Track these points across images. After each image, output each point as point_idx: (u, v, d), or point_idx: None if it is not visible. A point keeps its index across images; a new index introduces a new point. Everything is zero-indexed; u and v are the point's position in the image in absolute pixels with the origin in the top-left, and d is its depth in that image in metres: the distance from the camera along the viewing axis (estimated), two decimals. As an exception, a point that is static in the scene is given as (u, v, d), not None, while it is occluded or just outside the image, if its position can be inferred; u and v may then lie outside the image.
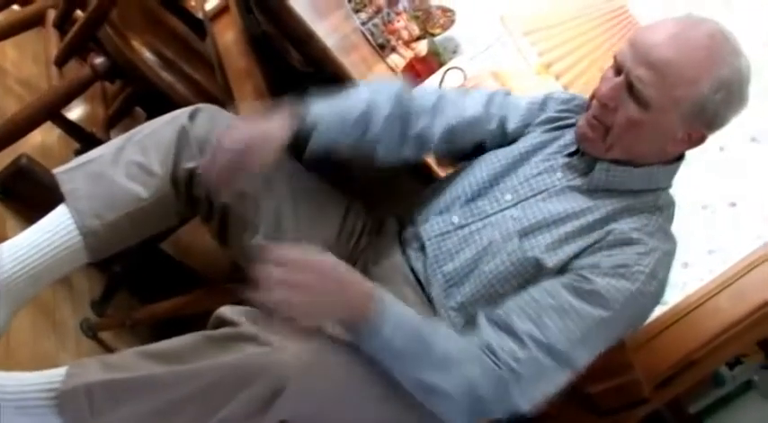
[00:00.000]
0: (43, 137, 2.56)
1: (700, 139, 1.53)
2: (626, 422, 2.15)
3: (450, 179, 1.74)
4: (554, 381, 1.47)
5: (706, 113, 1.48)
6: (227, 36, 2.64)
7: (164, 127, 1.65)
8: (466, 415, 1.45)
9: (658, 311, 1.96)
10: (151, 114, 1.73)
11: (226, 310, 1.43)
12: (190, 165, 1.63)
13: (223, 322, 1.41)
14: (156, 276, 2.29)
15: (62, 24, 2.20)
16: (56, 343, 1.51)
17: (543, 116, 1.72)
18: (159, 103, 2.02)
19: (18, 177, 2.21)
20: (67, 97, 1.92)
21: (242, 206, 1.66)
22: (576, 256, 1.52)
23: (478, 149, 1.75)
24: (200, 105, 1.69)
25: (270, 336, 1.35)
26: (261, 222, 1.66)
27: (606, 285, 1.47)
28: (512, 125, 1.74)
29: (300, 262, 1.34)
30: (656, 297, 1.55)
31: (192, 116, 1.66)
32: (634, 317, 1.55)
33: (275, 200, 1.67)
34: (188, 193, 1.66)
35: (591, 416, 2.09)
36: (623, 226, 1.52)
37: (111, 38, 1.94)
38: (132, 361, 1.40)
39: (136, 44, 2.06)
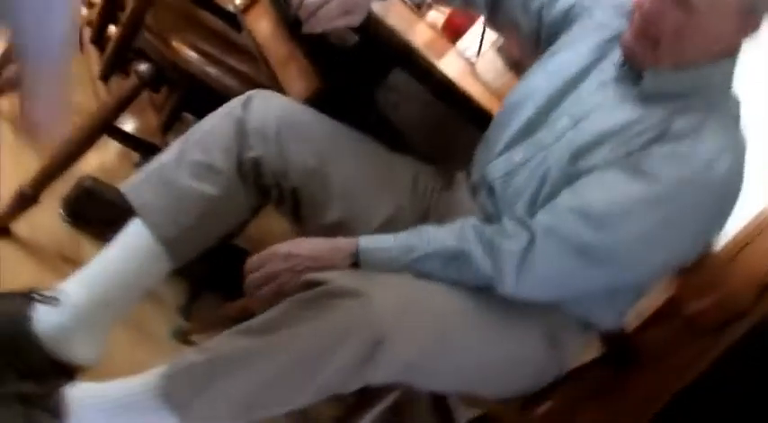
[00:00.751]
0: (101, 156, 2.57)
1: (754, 27, 1.46)
2: (725, 339, 2.10)
3: (505, 116, 1.69)
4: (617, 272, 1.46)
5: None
6: (262, 25, 2.62)
7: (219, 122, 1.65)
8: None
9: (751, 215, 1.88)
10: (200, 116, 1.71)
11: (312, 275, 1.42)
12: (252, 154, 1.62)
13: (310, 285, 1.40)
14: (237, 273, 2.27)
15: (99, 40, 2.20)
16: (151, 355, 1.52)
17: (589, 21, 1.68)
18: (207, 103, 2.00)
19: (85, 199, 2.22)
20: (119, 109, 1.92)
21: (311, 184, 1.64)
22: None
23: None
24: (251, 93, 1.68)
25: (360, 287, 1.34)
26: (332, 197, 1.64)
27: (659, 166, 1.43)
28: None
29: (262, 257, 1.50)
30: (723, 193, 1.47)
31: (245, 105, 1.65)
32: (699, 210, 1.46)
33: (342, 172, 1.65)
34: (256, 183, 1.65)
35: (689, 336, 2.05)
36: (678, 125, 1.46)
37: (150, 42, 1.93)
38: (227, 340, 1.40)
39: (176, 45, 2.05)
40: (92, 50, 2.20)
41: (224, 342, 1.40)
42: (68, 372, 1.55)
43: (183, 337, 2.12)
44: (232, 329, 1.41)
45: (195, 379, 1.37)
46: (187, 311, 2.23)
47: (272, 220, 2.26)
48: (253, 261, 1.51)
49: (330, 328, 1.32)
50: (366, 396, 1.58)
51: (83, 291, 1.60)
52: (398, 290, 1.38)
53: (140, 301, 1.67)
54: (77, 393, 1.46)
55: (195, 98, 2.31)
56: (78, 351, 1.61)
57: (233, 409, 1.37)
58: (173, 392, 1.38)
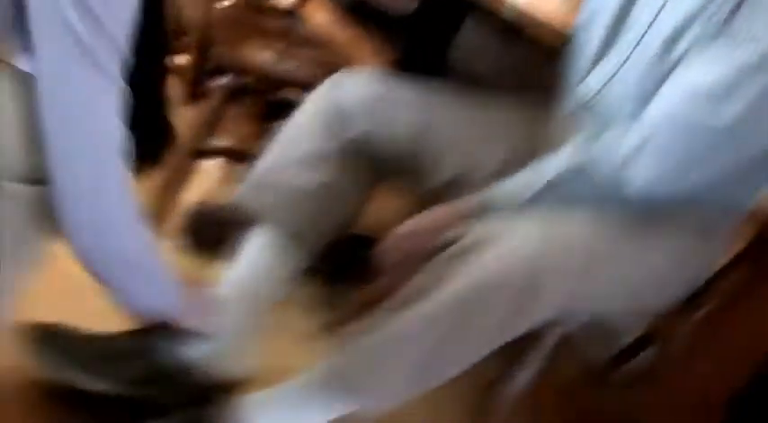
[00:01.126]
0: (202, 183, 2.60)
1: None
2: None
3: (583, 34, 1.65)
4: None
5: None
6: (321, 16, 2.62)
7: (313, 111, 1.65)
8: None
9: None
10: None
11: (443, 238, 1.41)
12: (354, 133, 1.62)
13: (444, 248, 1.38)
14: (366, 260, 2.28)
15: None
16: (304, 355, 1.53)
17: None
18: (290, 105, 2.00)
19: (202, 226, 2.24)
20: (210, 128, 1.93)
21: (419, 148, 1.64)
22: None
23: None
24: (335, 76, 1.68)
25: (493, 234, 1.33)
26: (442, 155, 1.63)
27: (752, 26, 1.35)
28: None
29: (390, 242, 1.50)
30: None
31: (333, 88, 1.65)
32: None
33: (445, 128, 1.64)
34: (364, 162, 1.66)
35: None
36: None
37: (223, 57, 1.94)
38: (379, 318, 1.41)
39: (247, 52, 2.05)
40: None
41: (381, 319, 1.40)
42: (229, 389, 1.57)
43: (330, 331, 2.12)
44: (384, 308, 1.40)
45: (367, 359, 1.38)
46: (327, 306, 2.24)
47: (384, 205, 2.26)
48: (382, 248, 1.52)
49: (478, 281, 1.30)
50: (525, 343, 1.56)
51: (233, 313, 1.63)
52: (532, 227, 1.36)
53: (281, 306, 1.69)
54: (246, 406, 1.48)
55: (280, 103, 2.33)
56: (235, 367, 1.63)
57: (408, 380, 1.37)
58: (347, 378, 1.39)
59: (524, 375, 1.57)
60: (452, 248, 1.37)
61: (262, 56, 2.06)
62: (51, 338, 1.55)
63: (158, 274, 1.36)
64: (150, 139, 1.47)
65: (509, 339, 1.38)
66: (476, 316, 1.32)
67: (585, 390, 2.06)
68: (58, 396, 1.56)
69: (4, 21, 1.16)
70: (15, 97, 1.17)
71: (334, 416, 1.45)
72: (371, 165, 1.66)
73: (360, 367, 1.38)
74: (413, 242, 1.48)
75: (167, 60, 2.20)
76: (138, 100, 1.35)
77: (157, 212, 2.02)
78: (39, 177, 1.21)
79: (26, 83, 1.16)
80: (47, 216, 1.22)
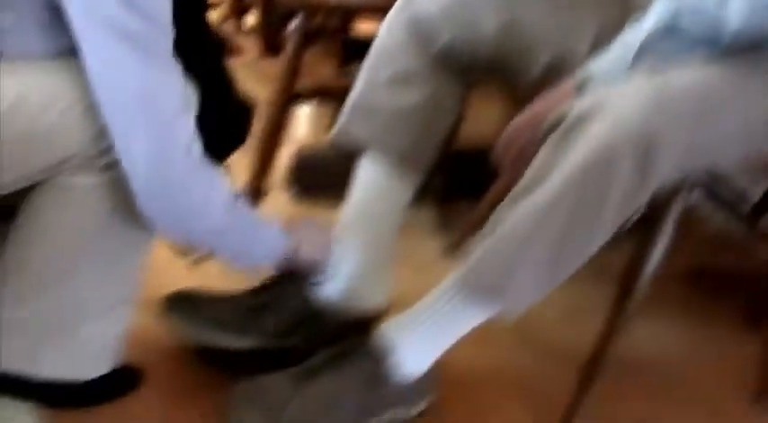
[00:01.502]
0: (300, 129, 2.62)
1: None
2: None
3: None
4: None
5: None
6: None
7: (393, 30, 1.62)
8: None
9: None
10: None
11: (548, 119, 1.38)
12: (440, 43, 1.59)
13: (552, 129, 1.36)
14: (473, 172, 2.26)
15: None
16: (434, 280, 1.53)
17: None
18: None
19: (306, 170, 2.26)
20: (294, 71, 1.93)
21: (509, 41, 1.59)
22: None
23: None
24: None
25: (599, 102, 1.30)
26: (534, 42, 1.59)
27: None
28: None
29: (508, 137, 1.46)
30: None
31: (406, 6, 1.61)
32: None
33: (531, 14, 1.59)
34: (456, 70, 1.62)
35: None
36: None
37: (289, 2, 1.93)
38: (499, 217, 1.37)
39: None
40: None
41: (502, 215, 1.37)
42: (368, 322, 1.58)
43: (455, 251, 2.12)
44: (502, 205, 1.38)
45: (495, 260, 1.35)
46: (446, 226, 2.24)
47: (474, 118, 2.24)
48: (497, 148, 1.49)
49: (595, 150, 1.27)
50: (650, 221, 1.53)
51: (349, 245, 1.63)
52: (638, 88, 1.31)
53: (402, 232, 1.69)
54: (387, 331, 1.49)
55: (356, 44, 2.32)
56: (369, 302, 1.64)
57: (541, 275, 1.35)
58: (480, 283, 1.37)
59: (655, 255, 1.53)
60: (560, 128, 1.33)
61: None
62: (188, 304, 1.58)
63: (256, 229, 1.39)
64: (229, 119, 1.47)
65: (631, 213, 1.35)
66: (593, 190, 1.29)
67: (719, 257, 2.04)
68: (203, 358, 1.60)
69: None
70: (77, 87, 1.19)
71: (474, 325, 1.44)
72: (462, 73, 1.63)
73: (491, 271, 1.36)
74: (526, 134, 1.45)
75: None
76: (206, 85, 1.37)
77: (264, 163, 2.02)
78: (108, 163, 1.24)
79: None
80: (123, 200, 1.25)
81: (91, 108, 1.19)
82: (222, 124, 1.44)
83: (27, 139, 1.19)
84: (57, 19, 1.17)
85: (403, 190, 1.65)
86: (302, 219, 1.61)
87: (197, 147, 1.23)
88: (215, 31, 2.00)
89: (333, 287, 1.61)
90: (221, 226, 1.29)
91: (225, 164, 1.49)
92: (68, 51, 1.18)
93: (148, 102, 1.17)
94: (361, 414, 1.46)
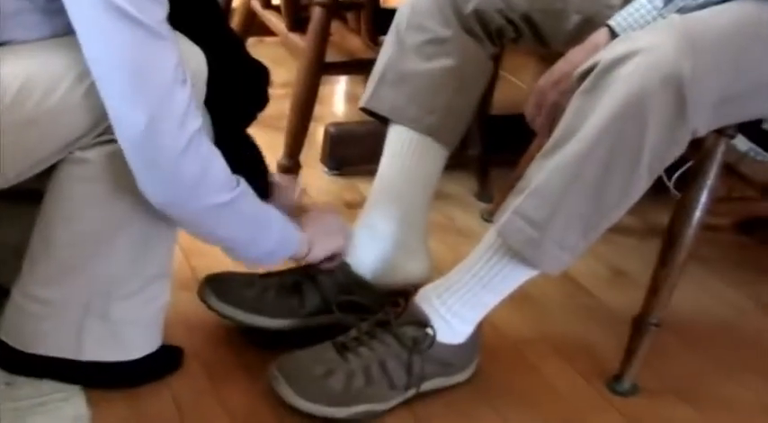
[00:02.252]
0: (331, 103, 2.62)
1: None
2: None
3: None
4: None
5: None
6: None
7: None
8: None
9: None
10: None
11: (580, 68, 1.35)
12: (470, 6, 1.56)
13: (583, 77, 1.33)
14: (507, 136, 2.25)
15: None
16: (473, 245, 1.52)
17: None
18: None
19: (338, 145, 2.25)
20: (321, 45, 1.91)
21: (536, 8, 1.57)
22: None
23: None
24: None
25: (631, 47, 1.26)
26: (561, 11, 1.57)
27: None
28: None
29: (533, 97, 1.45)
30: None
31: None
32: None
33: None
34: (486, 32, 1.60)
35: None
36: None
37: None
38: (533, 172, 1.35)
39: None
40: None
41: (536, 170, 1.35)
42: (407, 294, 1.56)
43: (493, 216, 2.10)
44: (536, 158, 1.36)
45: (531, 216, 1.33)
46: (484, 193, 2.23)
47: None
48: (529, 104, 1.47)
49: (627, 93, 1.24)
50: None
51: (382, 217, 1.61)
52: (668, 31, 1.28)
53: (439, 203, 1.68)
54: (428, 296, 1.47)
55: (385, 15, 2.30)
56: (410, 273, 1.62)
57: (579, 227, 1.33)
58: (517, 239, 1.35)
59: (700, 203, 1.50)
60: (590, 76, 1.30)
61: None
62: (224, 285, 1.57)
63: (261, 217, 1.35)
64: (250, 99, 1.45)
65: (670, 158, 1.32)
66: (628, 136, 1.26)
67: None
68: (243, 336, 1.59)
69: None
70: (77, 64, 1.19)
71: (516, 284, 1.42)
72: (493, 36, 1.60)
73: (527, 227, 1.33)
74: (558, 88, 1.42)
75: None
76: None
77: (295, 139, 2.01)
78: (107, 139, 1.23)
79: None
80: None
81: (92, 87, 1.18)
82: (238, 88, 1.42)
83: (35, 123, 1.19)
84: None
85: (431, 161, 1.62)
86: (313, 212, 1.59)
87: (193, 121, 1.20)
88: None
89: (368, 261, 1.60)
90: (218, 206, 1.25)
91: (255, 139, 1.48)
92: (66, 30, 1.18)
93: (139, 73, 1.15)
94: (408, 381, 1.44)
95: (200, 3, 1.40)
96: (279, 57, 2.92)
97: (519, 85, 2.59)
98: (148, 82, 1.16)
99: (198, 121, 1.21)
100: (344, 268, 1.58)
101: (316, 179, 2.22)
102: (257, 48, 2.71)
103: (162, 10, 1.17)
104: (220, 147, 1.27)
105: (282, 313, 1.55)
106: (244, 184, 1.29)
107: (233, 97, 1.27)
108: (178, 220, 1.29)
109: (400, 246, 1.61)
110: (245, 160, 1.39)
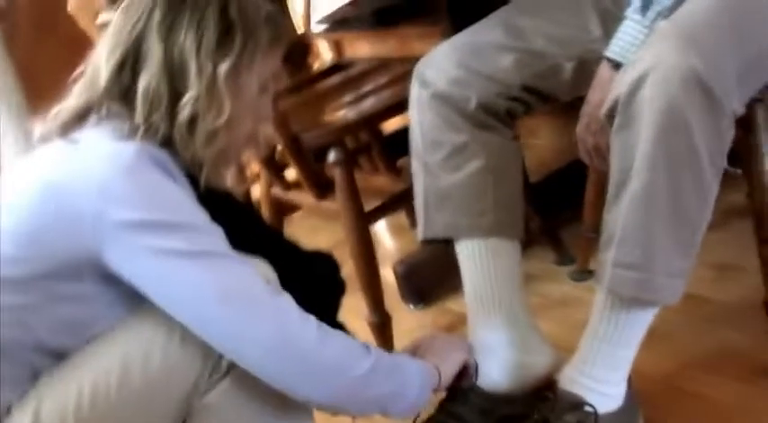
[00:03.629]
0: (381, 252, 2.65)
1: None
2: None
3: None
4: None
5: None
6: (362, 47, 2.67)
7: (423, 115, 1.63)
8: None
9: None
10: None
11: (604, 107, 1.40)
12: (470, 104, 1.59)
13: (611, 115, 1.37)
14: (563, 196, 2.27)
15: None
16: (581, 308, 1.53)
17: None
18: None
19: (411, 281, 2.30)
20: (355, 199, 1.96)
21: (530, 65, 1.62)
22: None
23: None
24: (414, 72, 1.67)
25: (643, 68, 1.30)
26: (551, 54, 1.62)
27: None
28: None
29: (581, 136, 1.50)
30: None
31: (421, 83, 1.64)
32: None
33: (537, 26, 1.64)
34: (498, 119, 1.63)
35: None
36: None
37: (315, 139, 1.97)
38: (610, 222, 1.38)
39: (328, 119, 2.09)
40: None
41: (612, 219, 1.37)
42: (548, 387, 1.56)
43: (583, 274, 2.11)
44: (606, 209, 1.39)
45: (630, 259, 1.35)
46: (563, 257, 2.24)
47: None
48: (582, 155, 1.53)
49: (659, 112, 1.28)
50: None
51: (489, 330, 1.63)
52: (663, 41, 1.32)
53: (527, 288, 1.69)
54: (570, 375, 1.48)
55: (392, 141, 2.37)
56: (540, 366, 1.62)
57: (677, 248, 1.35)
58: (629, 288, 1.37)
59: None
60: (619, 111, 1.34)
61: (344, 114, 2.09)
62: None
63: (399, 367, 1.36)
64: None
65: (726, 148, 1.34)
66: (680, 151, 1.29)
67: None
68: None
69: None
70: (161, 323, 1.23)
71: (644, 328, 1.43)
72: (505, 116, 1.64)
73: (632, 271, 1.35)
74: (593, 129, 1.47)
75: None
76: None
77: (373, 296, 2.04)
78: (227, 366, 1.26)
79: None
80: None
81: (184, 334, 1.21)
82: (313, 286, 1.46)
83: (149, 393, 1.22)
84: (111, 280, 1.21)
85: (509, 253, 1.65)
86: (423, 341, 1.58)
87: (309, 316, 1.24)
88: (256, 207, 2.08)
89: (497, 375, 1.60)
90: (368, 372, 1.27)
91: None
92: (130, 297, 1.22)
93: (238, 299, 1.19)
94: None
95: (242, 220, 1.45)
96: (312, 225, 2.98)
97: (541, 145, 2.62)
98: (253, 294, 1.20)
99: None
100: (479, 392, 1.58)
101: (407, 320, 2.24)
102: (290, 230, 2.76)
103: (218, 236, 1.22)
104: None
105: None
106: (370, 346, 1.31)
107: (311, 296, 1.31)
108: (344, 406, 1.30)
109: (518, 347, 1.62)
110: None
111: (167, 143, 1.26)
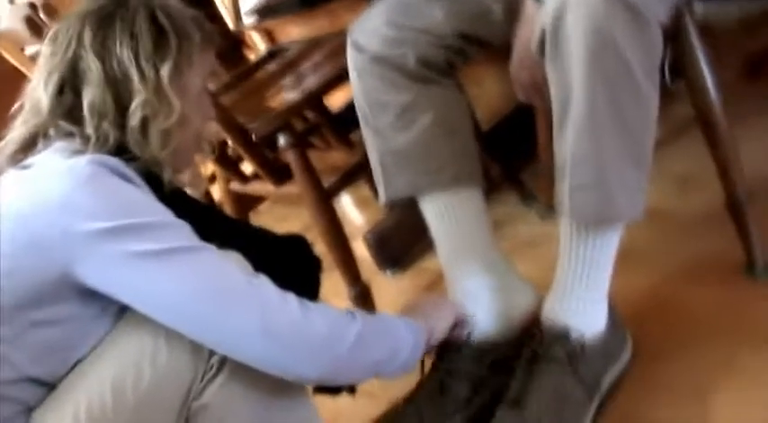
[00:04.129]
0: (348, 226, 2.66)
1: None
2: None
3: None
4: None
5: None
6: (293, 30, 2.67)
7: (364, 80, 1.63)
8: None
9: None
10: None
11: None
12: (409, 59, 1.59)
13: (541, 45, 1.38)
14: (517, 139, 2.28)
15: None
16: (554, 244, 1.54)
17: None
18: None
19: (383, 247, 2.31)
20: (313, 178, 1.96)
21: (462, 14, 1.62)
22: None
23: None
24: (346, 40, 1.67)
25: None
26: (487, 7, 1.62)
27: None
28: None
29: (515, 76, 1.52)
30: None
31: (354, 47, 1.64)
32: None
33: None
34: (439, 71, 1.63)
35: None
36: None
37: (263, 126, 1.97)
38: (560, 150, 1.38)
39: (270, 104, 2.09)
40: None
41: (560, 147, 1.39)
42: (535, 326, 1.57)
43: (549, 211, 2.11)
44: (555, 139, 1.40)
45: (585, 184, 1.36)
46: (527, 197, 2.26)
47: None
48: (519, 93, 1.54)
49: (585, 34, 1.28)
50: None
51: (467, 278, 1.63)
52: None
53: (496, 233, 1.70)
54: (551, 307, 1.51)
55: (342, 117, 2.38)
56: (523, 305, 1.63)
57: (631, 165, 1.36)
58: (589, 212, 1.38)
59: (707, 78, 1.52)
60: (546, 43, 1.34)
61: (286, 96, 2.10)
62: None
63: (389, 328, 1.37)
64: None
65: (659, 60, 1.36)
66: (613, 69, 1.30)
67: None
68: None
69: None
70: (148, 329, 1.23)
71: (614, 249, 1.44)
72: (446, 67, 1.64)
73: (590, 195, 1.36)
74: (526, 65, 1.47)
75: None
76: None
77: (349, 270, 2.05)
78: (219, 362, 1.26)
79: None
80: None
81: (169, 339, 1.22)
82: (290, 267, 1.45)
83: (145, 406, 1.21)
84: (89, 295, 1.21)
85: (473, 200, 1.65)
86: (410, 302, 1.61)
87: (288, 294, 1.25)
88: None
89: (483, 322, 1.61)
90: (358, 337, 1.27)
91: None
92: (111, 308, 1.23)
93: (216, 292, 1.19)
94: (589, 392, 1.46)
95: (207, 216, 1.45)
96: (279, 214, 2.99)
97: (487, 94, 2.63)
98: (231, 283, 1.21)
99: (289, 292, 1.25)
100: (469, 343, 1.59)
101: (386, 288, 2.25)
102: (259, 222, 2.76)
103: (184, 231, 1.22)
104: None
105: (446, 417, 1.56)
106: (355, 312, 1.32)
107: (291, 278, 1.31)
108: (340, 377, 1.32)
109: (499, 290, 1.63)
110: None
111: (120, 151, 1.28)
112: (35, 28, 2.10)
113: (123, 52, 1.29)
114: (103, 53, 1.29)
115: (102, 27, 1.30)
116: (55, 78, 1.30)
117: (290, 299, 1.24)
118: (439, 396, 1.56)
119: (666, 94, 1.41)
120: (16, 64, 2.49)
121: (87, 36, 1.29)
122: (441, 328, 1.50)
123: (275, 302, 1.23)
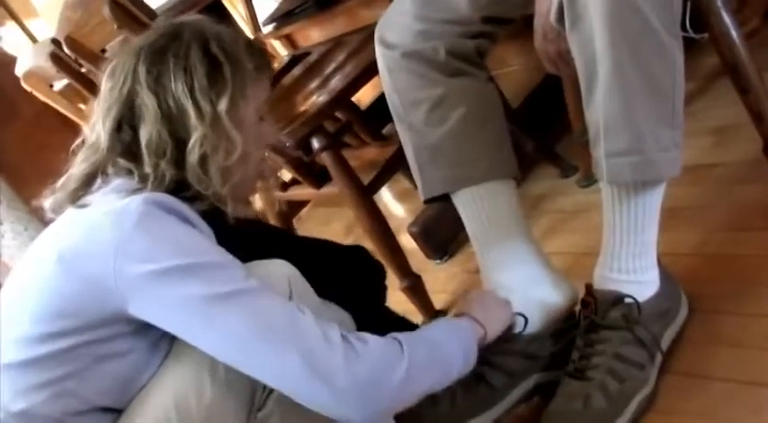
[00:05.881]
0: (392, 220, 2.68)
1: None
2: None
3: None
4: None
5: None
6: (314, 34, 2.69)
7: (394, 76, 1.63)
8: None
9: None
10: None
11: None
12: (440, 53, 1.59)
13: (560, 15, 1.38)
14: (547, 112, 2.28)
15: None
16: (598, 212, 1.54)
17: None
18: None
19: (428, 237, 2.34)
20: (352, 177, 1.98)
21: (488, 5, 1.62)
22: None
23: None
24: (374, 39, 1.67)
25: None
26: None
27: None
28: None
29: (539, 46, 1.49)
30: None
31: (381, 44, 1.65)
32: None
33: None
34: (468, 61, 1.63)
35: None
36: None
37: (295, 132, 1.99)
38: (591, 118, 1.39)
39: (301, 109, 2.11)
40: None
41: (592, 115, 1.39)
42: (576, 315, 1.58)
43: (589, 179, 2.13)
44: (585, 107, 1.40)
45: (621, 146, 1.36)
46: (565, 169, 2.26)
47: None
48: (547, 66, 1.52)
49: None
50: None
51: (501, 273, 1.62)
52: None
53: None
54: (602, 274, 1.51)
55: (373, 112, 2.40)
56: (563, 293, 1.61)
57: (663, 120, 1.36)
58: (627, 173, 1.38)
59: (730, 27, 1.52)
60: (565, 10, 1.35)
61: (316, 100, 2.11)
62: (412, 416, 1.49)
63: (439, 341, 1.35)
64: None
65: (678, 15, 1.35)
66: (634, 28, 1.30)
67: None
68: None
69: None
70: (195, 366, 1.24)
71: (656, 208, 1.44)
72: (475, 62, 1.63)
73: (626, 157, 1.36)
74: (549, 36, 1.45)
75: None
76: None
77: (399, 264, 2.07)
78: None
79: None
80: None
81: (227, 370, 1.22)
82: (355, 275, 1.46)
83: (214, 415, 1.22)
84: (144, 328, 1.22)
85: (506, 193, 1.64)
86: (470, 294, 1.60)
87: (331, 331, 1.22)
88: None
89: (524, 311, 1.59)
90: (407, 372, 1.24)
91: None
92: (167, 335, 1.24)
93: (263, 330, 1.18)
94: (650, 353, 1.46)
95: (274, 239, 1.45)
96: (323, 216, 3.02)
97: (513, 71, 2.63)
98: (276, 329, 1.19)
99: (335, 327, 1.23)
100: (511, 338, 1.57)
101: (437, 276, 2.27)
102: (303, 227, 2.78)
103: (235, 267, 1.22)
104: (367, 325, 1.30)
105: (482, 406, 1.55)
106: (398, 336, 1.29)
107: (357, 289, 1.31)
108: (393, 411, 1.30)
109: (532, 284, 1.61)
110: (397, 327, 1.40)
111: (180, 187, 1.28)
112: (61, 63, 2.14)
113: (178, 87, 1.27)
114: (158, 89, 1.28)
115: (156, 62, 1.28)
116: (113, 114, 1.29)
117: (335, 339, 1.21)
118: (472, 384, 1.55)
119: (693, 47, 1.41)
120: (47, 100, 2.55)
121: (142, 72, 1.28)
122: (495, 331, 1.48)
123: (320, 346, 1.20)
